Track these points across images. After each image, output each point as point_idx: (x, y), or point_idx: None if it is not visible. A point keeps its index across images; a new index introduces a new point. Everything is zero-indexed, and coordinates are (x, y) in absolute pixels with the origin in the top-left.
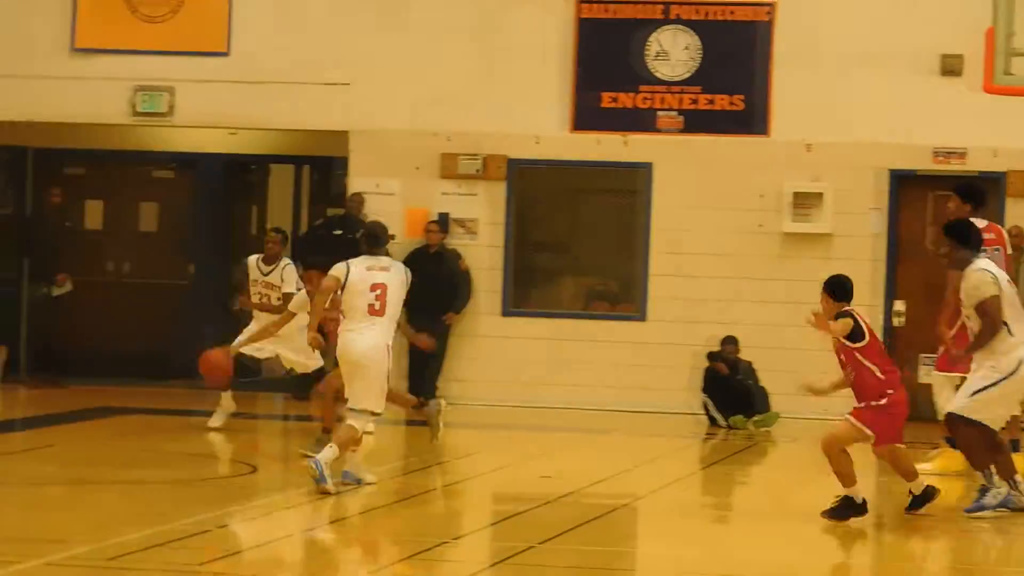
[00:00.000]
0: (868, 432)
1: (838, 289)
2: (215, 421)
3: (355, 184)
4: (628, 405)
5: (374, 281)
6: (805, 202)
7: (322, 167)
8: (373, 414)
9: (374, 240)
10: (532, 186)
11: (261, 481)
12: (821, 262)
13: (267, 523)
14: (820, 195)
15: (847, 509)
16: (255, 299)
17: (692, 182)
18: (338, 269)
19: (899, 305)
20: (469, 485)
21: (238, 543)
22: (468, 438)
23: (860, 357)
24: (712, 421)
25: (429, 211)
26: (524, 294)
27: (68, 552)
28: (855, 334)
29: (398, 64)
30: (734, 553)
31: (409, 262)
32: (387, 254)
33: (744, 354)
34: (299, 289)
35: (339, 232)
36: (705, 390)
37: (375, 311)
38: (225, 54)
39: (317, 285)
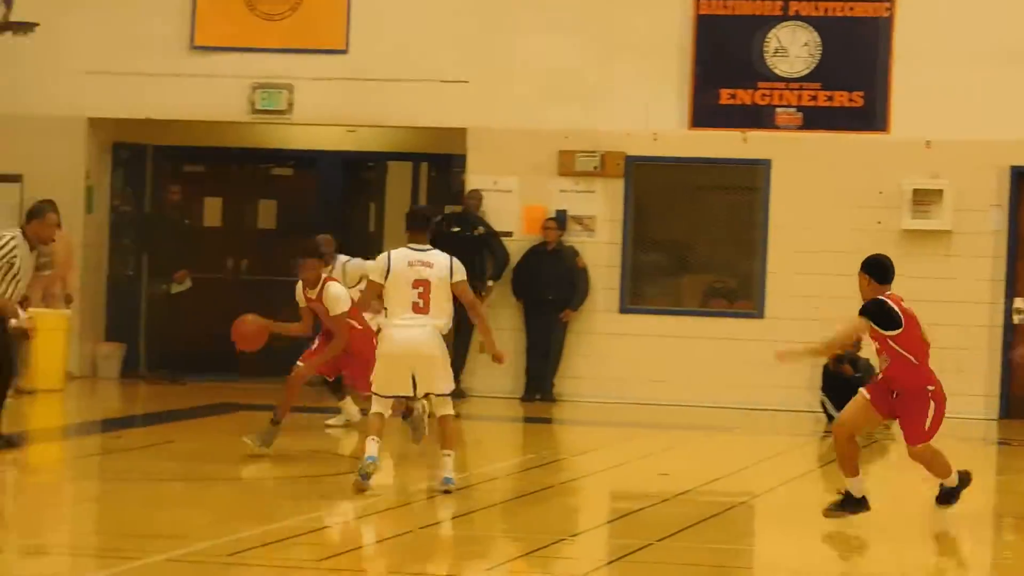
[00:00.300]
0: (882, 419)
1: (879, 271)
2: (336, 422)
3: (473, 181)
4: (745, 403)
5: (417, 277)
6: (924, 199)
7: (440, 165)
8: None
9: (417, 223)
10: (650, 183)
11: (377, 478)
12: (940, 259)
13: (383, 520)
14: (940, 192)
15: (852, 505)
16: None
17: (811, 179)
18: (378, 270)
19: (1019, 303)
20: (586, 482)
21: (355, 540)
22: (585, 435)
23: (894, 344)
24: (830, 419)
25: (547, 208)
26: (641, 291)
27: (187, 548)
28: (890, 321)
29: (516, 61)
30: (851, 552)
31: (527, 259)
32: (432, 244)
33: (863, 352)
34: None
35: (457, 229)
36: (824, 388)
37: (419, 309)
38: (344, 51)
39: None
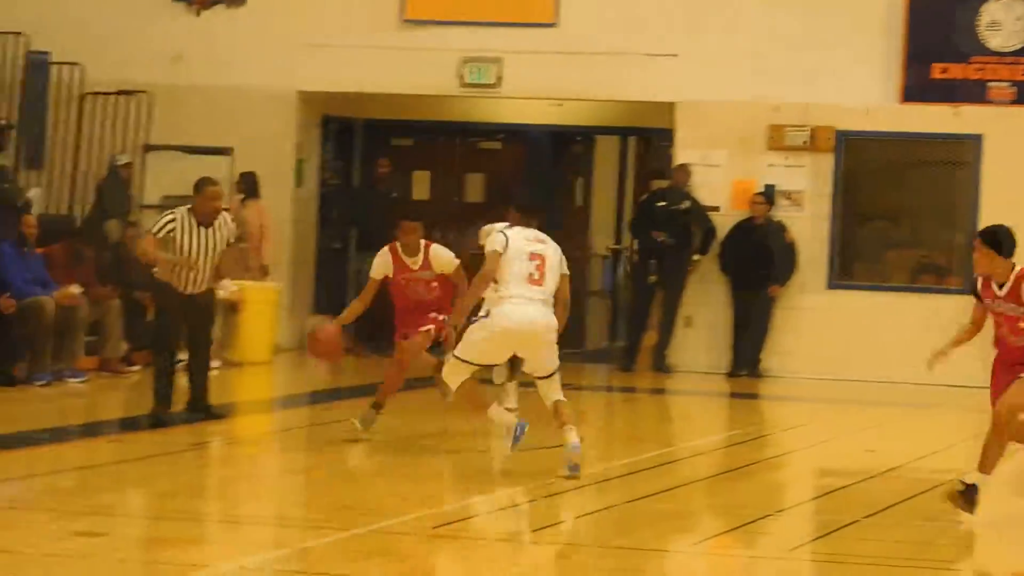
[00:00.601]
0: None
1: (1006, 242)
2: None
3: (681, 156)
4: (953, 379)
5: (532, 251)
6: None
7: (648, 139)
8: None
9: (526, 209)
10: (859, 158)
11: (586, 451)
12: None
13: (585, 495)
14: None
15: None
16: None
17: (1023, 154)
18: (497, 241)
19: None
20: (792, 458)
21: (558, 514)
22: (792, 411)
23: None
24: None
25: (755, 183)
26: (849, 267)
27: (393, 520)
28: None
29: (725, 35)
30: None
31: (734, 234)
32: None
33: None
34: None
35: (663, 204)
36: None
37: (534, 280)
38: (553, 25)
39: None
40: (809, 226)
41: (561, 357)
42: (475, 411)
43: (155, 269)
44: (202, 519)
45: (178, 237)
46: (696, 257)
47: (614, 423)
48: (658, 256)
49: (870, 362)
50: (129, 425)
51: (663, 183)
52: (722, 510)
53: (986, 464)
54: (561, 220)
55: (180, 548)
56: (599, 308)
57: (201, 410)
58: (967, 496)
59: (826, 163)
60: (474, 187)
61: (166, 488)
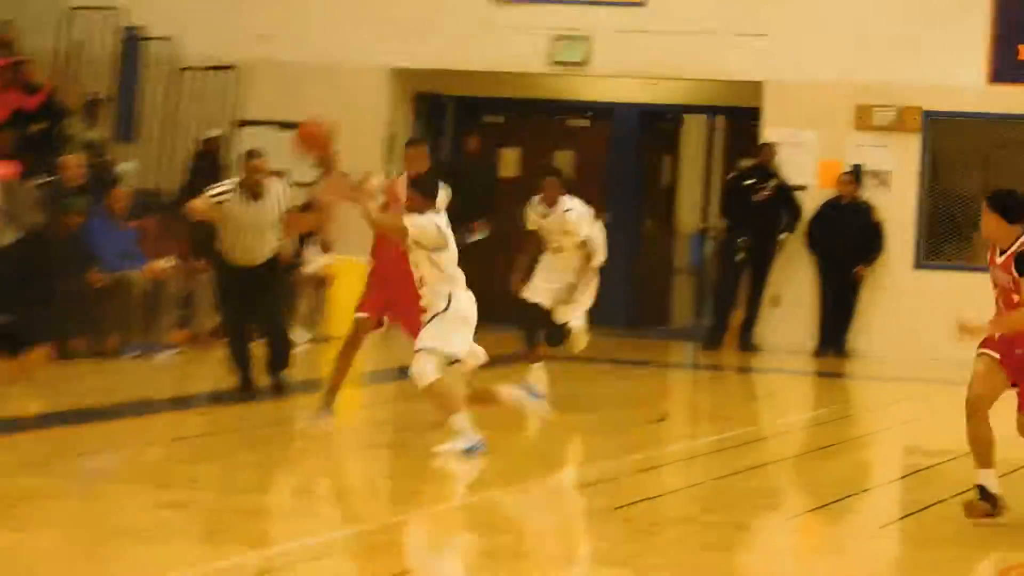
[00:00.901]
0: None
1: (1013, 207)
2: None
3: (768, 134)
4: None
5: None
6: None
7: (736, 117)
8: None
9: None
10: (947, 138)
11: (672, 428)
12: None
13: (672, 471)
14: None
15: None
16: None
17: None
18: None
19: None
20: (879, 437)
21: (647, 489)
22: (878, 390)
23: None
24: None
25: (842, 162)
26: (936, 247)
27: (481, 494)
28: None
29: (814, 14)
30: None
31: (822, 213)
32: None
33: None
34: None
35: (751, 182)
36: None
37: None
38: (642, 4)
39: None
40: (896, 206)
41: (645, 334)
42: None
43: (215, 242)
44: (288, 492)
45: (229, 207)
46: (783, 236)
47: (700, 401)
48: (746, 235)
49: (957, 342)
50: (217, 398)
51: (749, 162)
52: (809, 488)
53: (982, 458)
54: (648, 199)
55: (267, 520)
56: (685, 286)
57: (272, 383)
58: (984, 502)
59: (913, 143)
60: (563, 164)
61: (253, 460)
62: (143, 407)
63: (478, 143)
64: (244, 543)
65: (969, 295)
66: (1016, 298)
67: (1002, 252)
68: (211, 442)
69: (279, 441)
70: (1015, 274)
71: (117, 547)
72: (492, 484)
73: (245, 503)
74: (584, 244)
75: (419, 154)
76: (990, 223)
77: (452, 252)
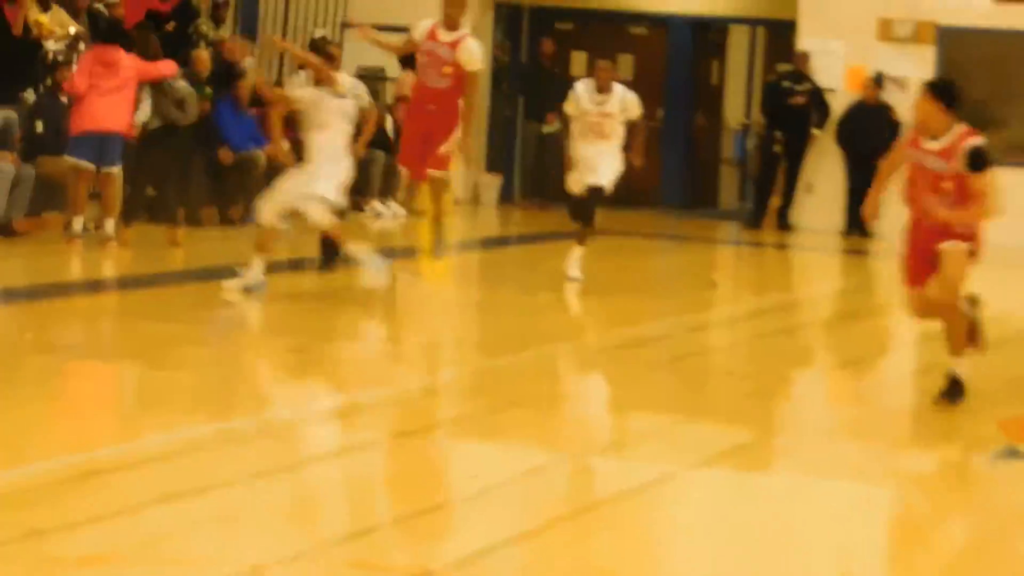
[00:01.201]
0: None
1: (951, 96)
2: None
3: (802, 43)
4: None
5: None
6: None
7: (775, 28)
8: None
9: None
10: (958, 50)
11: (720, 294)
12: None
13: (715, 331)
14: None
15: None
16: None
17: None
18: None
19: None
20: (897, 306)
21: (687, 347)
22: (895, 265)
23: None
24: None
25: (867, 69)
26: None
27: (558, 346)
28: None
29: None
30: None
31: (849, 113)
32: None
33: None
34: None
35: (787, 85)
36: None
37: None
38: None
39: None
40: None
41: (697, 215)
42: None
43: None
44: (391, 341)
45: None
46: (815, 132)
47: (742, 272)
48: (782, 130)
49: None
50: (326, 262)
51: (786, 67)
52: (836, 347)
53: (957, 346)
54: (699, 98)
55: (375, 366)
56: (731, 174)
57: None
58: (953, 391)
59: (928, 54)
60: (625, 67)
61: (359, 315)
62: (264, 268)
63: (552, 47)
64: (358, 385)
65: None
66: (946, 186)
67: (934, 139)
68: (324, 299)
69: (380, 298)
70: (962, 168)
71: (246, 385)
72: (568, 337)
73: (357, 351)
74: (636, 124)
75: None
76: (926, 108)
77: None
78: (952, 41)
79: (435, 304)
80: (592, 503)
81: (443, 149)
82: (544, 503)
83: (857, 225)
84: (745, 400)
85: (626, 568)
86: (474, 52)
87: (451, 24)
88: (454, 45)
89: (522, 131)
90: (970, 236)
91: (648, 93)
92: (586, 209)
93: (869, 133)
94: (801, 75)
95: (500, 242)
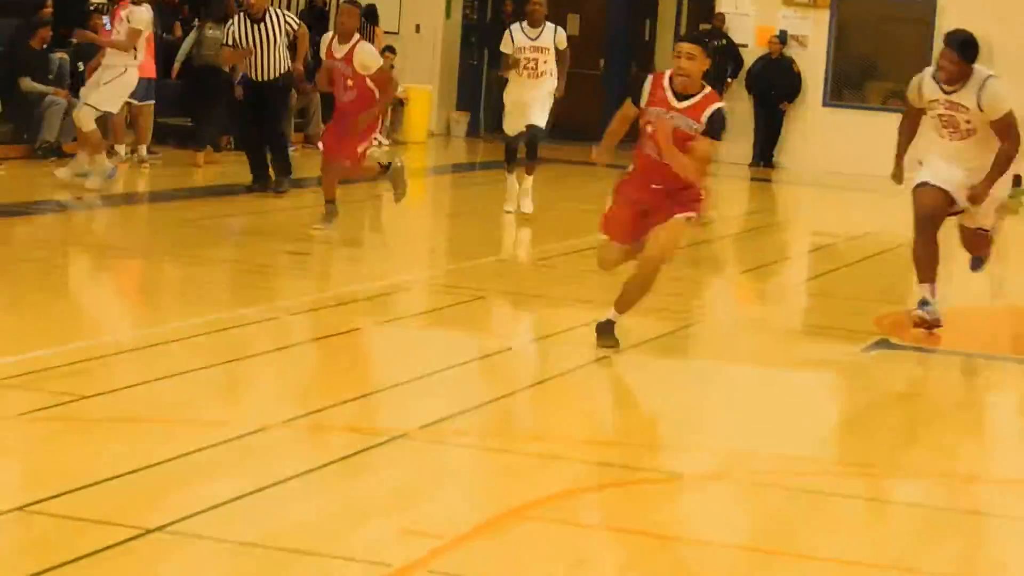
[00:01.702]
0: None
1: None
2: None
3: (721, 7)
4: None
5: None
6: None
7: None
8: None
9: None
10: (850, 12)
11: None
12: None
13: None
14: None
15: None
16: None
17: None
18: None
19: None
20: (794, 224)
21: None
22: (795, 193)
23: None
24: None
25: (773, 28)
26: (839, 92)
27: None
28: None
29: None
30: None
31: (757, 65)
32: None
33: None
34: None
35: (707, 40)
36: None
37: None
38: None
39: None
40: (811, 61)
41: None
42: None
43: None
44: (377, 244)
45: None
46: (729, 80)
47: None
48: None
49: (853, 160)
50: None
51: (707, 26)
52: (747, 256)
53: (623, 303)
54: (634, 51)
55: (366, 264)
56: None
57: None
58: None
59: (824, 16)
60: (572, 24)
61: (349, 224)
62: (271, 187)
63: (511, 6)
64: (348, 279)
65: (862, 128)
66: None
67: (685, 96)
68: (320, 211)
69: (365, 209)
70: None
71: (253, 279)
72: (549, 240)
73: (353, 256)
74: (562, 52)
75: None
76: (690, 58)
77: None
78: (846, 5)
79: (414, 213)
80: (544, 378)
81: (360, 148)
82: (505, 378)
83: (763, 158)
84: (668, 298)
85: (577, 429)
86: (369, 53)
87: (345, 36)
88: (349, 58)
89: (486, 77)
90: (695, 203)
91: (592, 47)
92: (529, 146)
93: (774, 81)
94: (719, 32)
95: (467, 168)
